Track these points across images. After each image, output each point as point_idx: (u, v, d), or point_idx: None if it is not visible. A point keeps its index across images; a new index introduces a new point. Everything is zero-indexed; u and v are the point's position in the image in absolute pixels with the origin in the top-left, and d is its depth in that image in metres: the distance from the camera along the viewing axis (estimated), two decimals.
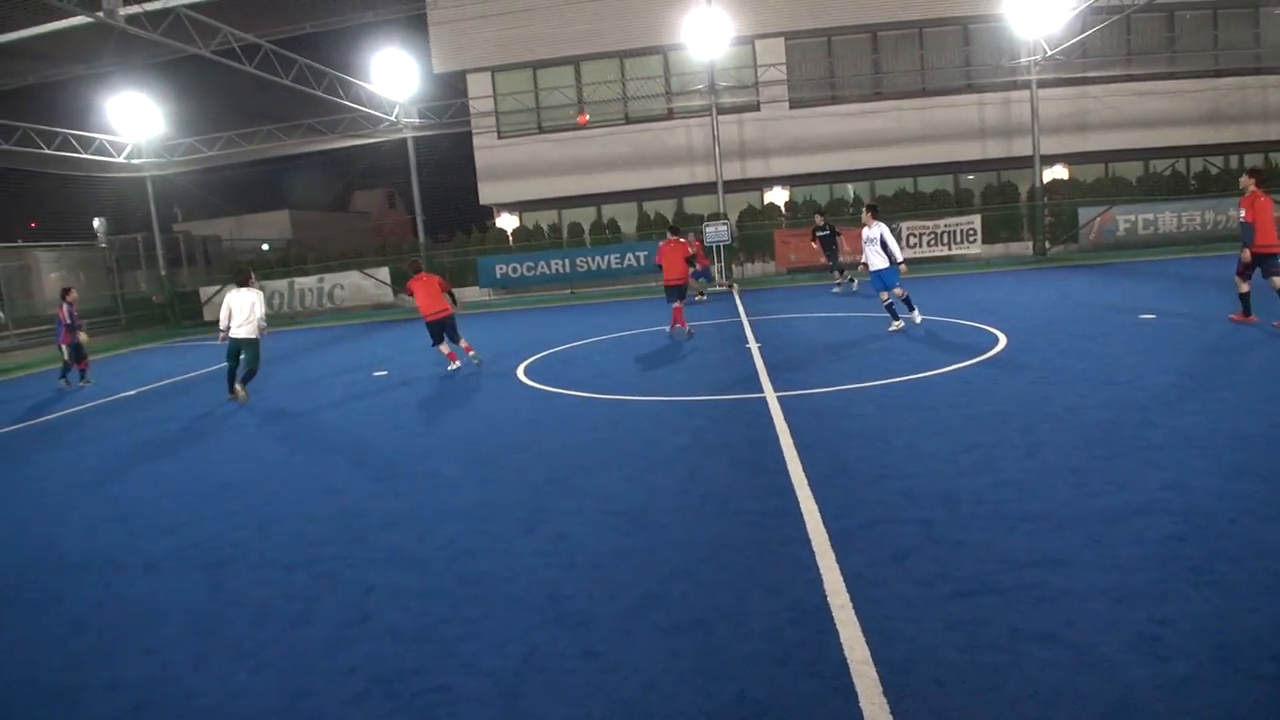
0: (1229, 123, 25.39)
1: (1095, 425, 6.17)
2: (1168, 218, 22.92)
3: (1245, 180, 10.00)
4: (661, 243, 13.63)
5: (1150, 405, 6.61)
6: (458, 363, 11.67)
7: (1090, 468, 5.21)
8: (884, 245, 11.61)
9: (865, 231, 11.84)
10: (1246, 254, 9.72)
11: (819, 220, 19.41)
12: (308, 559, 4.88)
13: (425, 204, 25.80)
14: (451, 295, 11.53)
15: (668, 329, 13.40)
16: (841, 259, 19.17)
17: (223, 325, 10.72)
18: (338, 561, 4.81)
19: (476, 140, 26.35)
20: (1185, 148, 25.52)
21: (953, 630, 3.39)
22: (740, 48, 24.80)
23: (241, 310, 10.61)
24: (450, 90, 26.36)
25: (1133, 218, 23.10)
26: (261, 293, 11.35)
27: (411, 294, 11.75)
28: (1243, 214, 9.79)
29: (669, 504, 5.28)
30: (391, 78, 23.01)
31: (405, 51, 23.41)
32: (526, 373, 10.99)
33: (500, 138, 26.34)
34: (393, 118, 24.17)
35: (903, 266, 11.75)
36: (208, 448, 8.37)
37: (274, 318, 24.90)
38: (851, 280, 18.82)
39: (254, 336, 10.73)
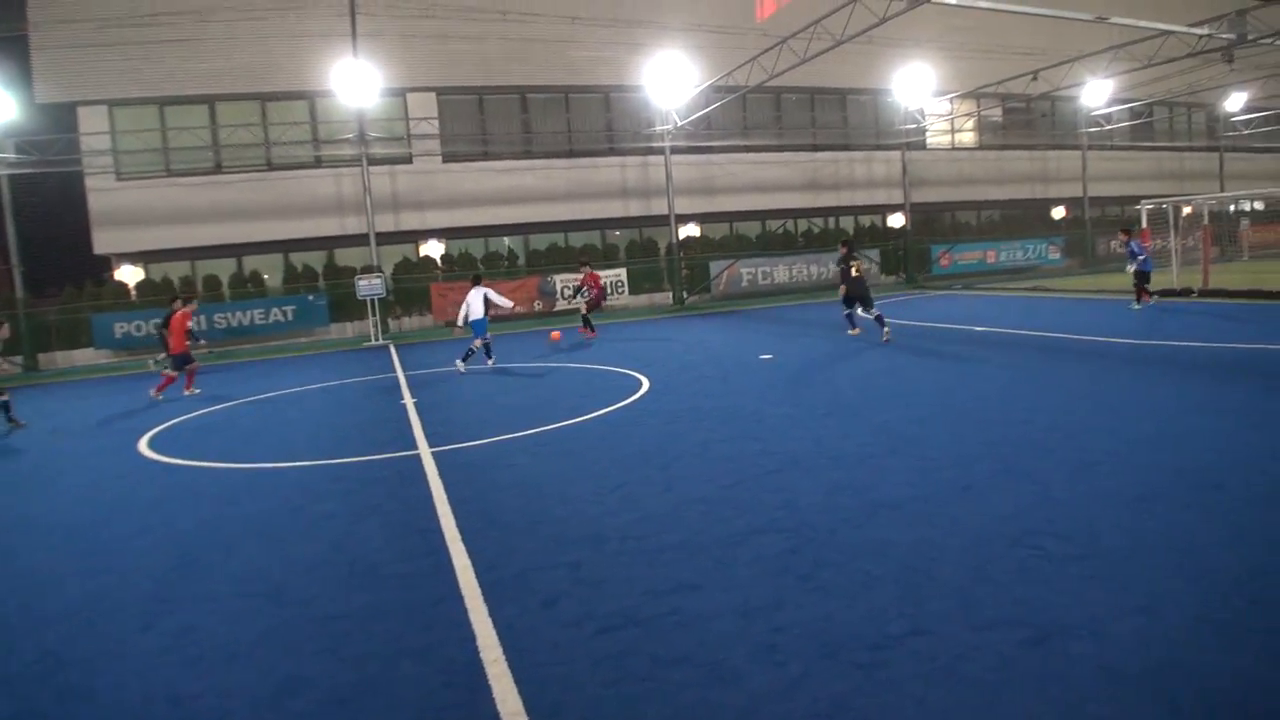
0: (825, 190, 30.13)
1: (721, 458, 6.80)
2: (781, 270, 26.71)
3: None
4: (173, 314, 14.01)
5: (766, 435, 7.45)
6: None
7: (717, 496, 5.72)
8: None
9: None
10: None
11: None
12: None
13: (24, 253, 21.94)
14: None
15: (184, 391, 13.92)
16: None
17: None
18: None
19: (90, 181, 23.01)
20: (793, 210, 29.91)
21: (598, 666, 3.49)
22: (392, 99, 24.49)
23: None
24: (57, 123, 22.82)
25: (753, 270, 26.45)
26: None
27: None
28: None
29: (313, 577, 4.89)
30: None
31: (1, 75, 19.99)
32: (151, 445, 9.71)
33: (120, 179, 23.32)
34: None
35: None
36: None
37: None
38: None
39: None
